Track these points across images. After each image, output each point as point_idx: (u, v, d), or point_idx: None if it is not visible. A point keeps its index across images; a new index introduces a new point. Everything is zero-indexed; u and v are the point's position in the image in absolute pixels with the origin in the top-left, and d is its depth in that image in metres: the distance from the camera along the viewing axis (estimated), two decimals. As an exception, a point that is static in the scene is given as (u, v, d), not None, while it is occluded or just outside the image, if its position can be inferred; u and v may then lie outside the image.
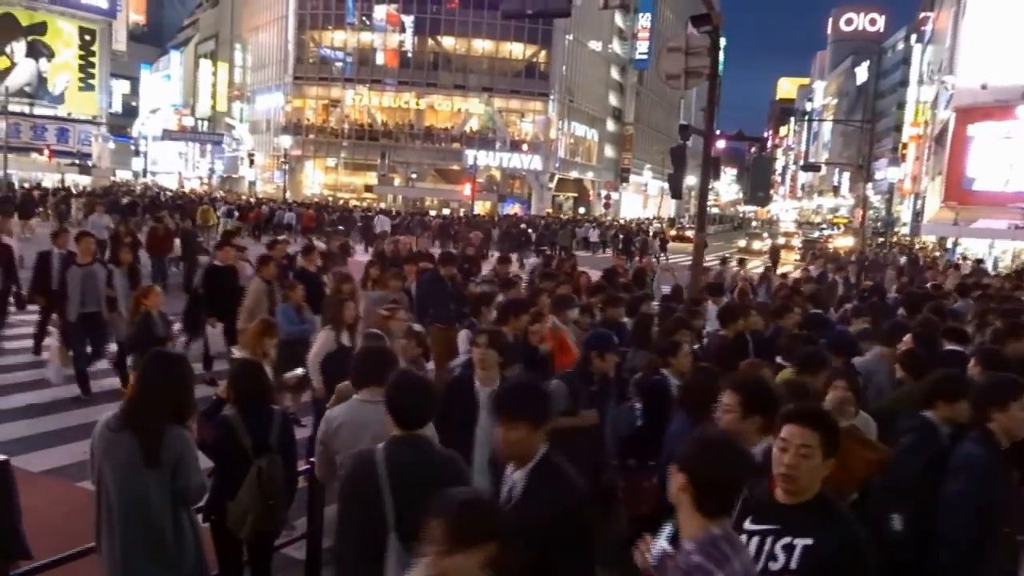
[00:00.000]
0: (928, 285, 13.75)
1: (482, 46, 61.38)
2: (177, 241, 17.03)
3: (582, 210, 65.94)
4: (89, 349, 8.68)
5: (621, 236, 39.60)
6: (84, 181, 51.15)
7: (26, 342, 10.32)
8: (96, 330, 8.69)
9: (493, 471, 3.15)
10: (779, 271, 19.77)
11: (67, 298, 8.52)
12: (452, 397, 4.38)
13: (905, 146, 64.79)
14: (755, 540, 2.55)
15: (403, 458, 2.92)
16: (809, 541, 2.46)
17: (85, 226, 18.08)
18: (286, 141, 53.31)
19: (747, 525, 2.58)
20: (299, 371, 6.66)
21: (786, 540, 2.51)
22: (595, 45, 67.89)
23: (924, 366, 4.79)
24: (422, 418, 3.09)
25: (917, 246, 42.20)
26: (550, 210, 58.50)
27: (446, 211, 52.20)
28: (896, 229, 57.37)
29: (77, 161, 54.09)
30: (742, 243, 50.15)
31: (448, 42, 61.35)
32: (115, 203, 29.96)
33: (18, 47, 53.64)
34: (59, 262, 9.11)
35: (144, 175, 65.49)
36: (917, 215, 54.10)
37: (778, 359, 5.55)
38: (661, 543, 2.49)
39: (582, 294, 8.89)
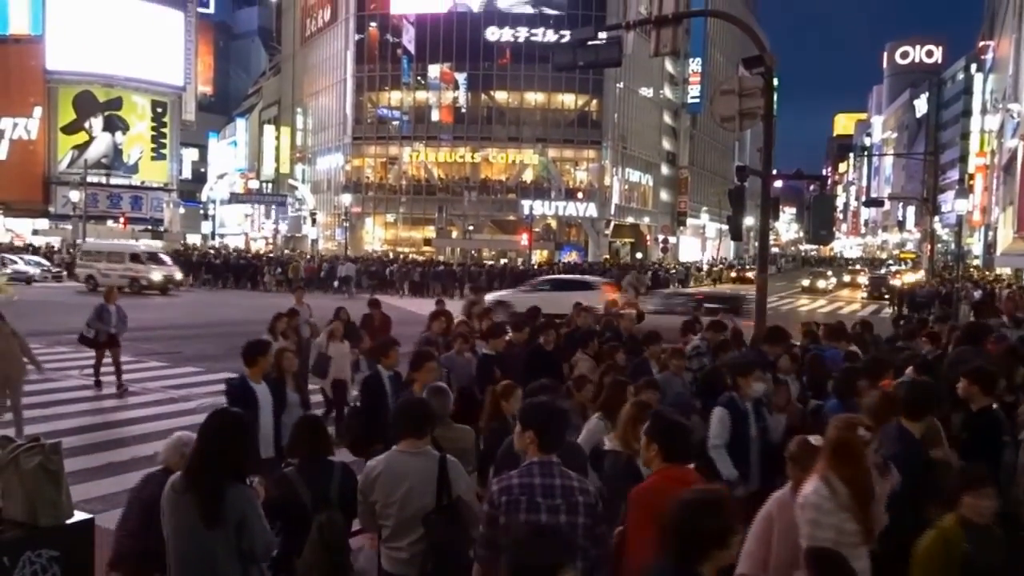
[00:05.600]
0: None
1: (534, 98, 62.31)
2: None
3: (639, 255, 65.60)
4: None
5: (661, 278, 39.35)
6: (157, 245, 53.20)
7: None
8: None
9: None
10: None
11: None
12: None
13: (972, 177, 62.94)
14: None
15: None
16: None
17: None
18: (346, 199, 54.58)
19: None
20: None
21: None
22: (646, 92, 68.28)
23: None
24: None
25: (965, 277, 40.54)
26: (607, 256, 58.33)
27: (504, 260, 52.49)
28: (968, 262, 55.32)
29: (150, 227, 56.58)
30: (805, 282, 49.11)
31: (501, 96, 62.50)
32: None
33: (96, 122, 56.92)
34: (392, 389, 6.25)
35: (213, 237, 67.78)
36: (989, 247, 52.21)
37: None
38: None
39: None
